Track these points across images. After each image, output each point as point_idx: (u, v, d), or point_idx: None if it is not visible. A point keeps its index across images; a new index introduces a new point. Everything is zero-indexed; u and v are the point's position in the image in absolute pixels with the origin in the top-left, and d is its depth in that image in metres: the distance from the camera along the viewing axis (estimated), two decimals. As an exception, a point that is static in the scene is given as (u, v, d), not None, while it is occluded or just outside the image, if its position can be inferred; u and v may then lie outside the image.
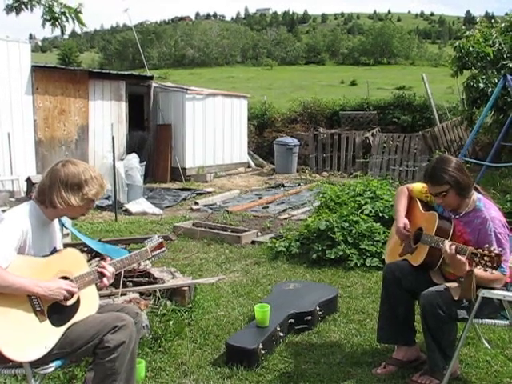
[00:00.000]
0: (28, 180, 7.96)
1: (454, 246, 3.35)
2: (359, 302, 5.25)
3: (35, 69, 11.52)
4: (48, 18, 5.95)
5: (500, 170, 12.22)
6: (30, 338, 2.75)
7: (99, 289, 3.19)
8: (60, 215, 3.15)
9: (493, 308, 3.47)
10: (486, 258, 3.16)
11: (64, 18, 5.97)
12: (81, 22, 6.07)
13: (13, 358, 2.67)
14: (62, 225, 3.32)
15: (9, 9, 5.99)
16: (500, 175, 12.04)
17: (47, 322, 2.83)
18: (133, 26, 25.72)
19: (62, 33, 6.23)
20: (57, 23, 5.96)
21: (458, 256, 3.33)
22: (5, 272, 2.69)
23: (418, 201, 3.95)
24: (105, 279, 3.09)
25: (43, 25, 6.02)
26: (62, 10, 5.94)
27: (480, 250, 3.19)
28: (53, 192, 2.99)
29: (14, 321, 2.71)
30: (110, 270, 3.13)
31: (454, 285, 3.48)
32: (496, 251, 3.14)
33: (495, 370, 3.82)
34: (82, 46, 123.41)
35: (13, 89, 11.03)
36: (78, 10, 6.00)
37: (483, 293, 3.28)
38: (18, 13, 6.02)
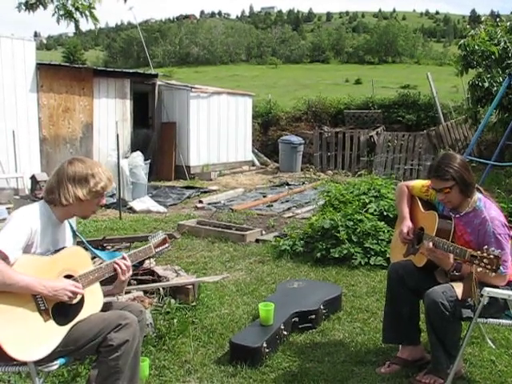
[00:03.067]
0: (33, 178, 7.96)
1: (431, 242, 3.48)
2: (363, 300, 5.24)
3: (40, 66, 11.54)
4: (62, 13, 5.98)
5: (505, 169, 12.18)
6: (34, 338, 2.74)
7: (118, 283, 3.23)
8: (70, 214, 3.14)
9: (497, 307, 3.45)
10: (485, 260, 3.15)
11: (78, 14, 6.02)
12: (94, 18, 6.12)
13: (16, 357, 2.67)
14: (73, 231, 3.31)
15: (23, 7, 6.01)
16: (505, 174, 12.01)
17: (51, 322, 2.83)
18: (138, 24, 25.74)
19: (77, 28, 6.28)
20: (72, 18, 6.01)
21: (438, 250, 3.45)
22: (10, 270, 2.68)
23: (419, 200, 3.94)
24: (121, 274, 3.15)
25: (58, 21, 6.05)
26: (76, 6, 5.99)
27: (479, 253, 3.19)
28: (60, 189, 2.99)
29: (18, 320, 2.71)
30: (126, 263, 3.18)
31: (458, 284, 3.48)
32: (495, 253, 3.13)
33: (499, 369, 3.81)
34: (86, 44, 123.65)
35: (18, 86, 11.05)
36: (92, 6, 6.04)
37: (488, 292, 3.26)
38: (33, 10, 6.05)
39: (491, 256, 3.13)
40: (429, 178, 3.68)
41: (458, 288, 3.44)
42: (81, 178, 3.02)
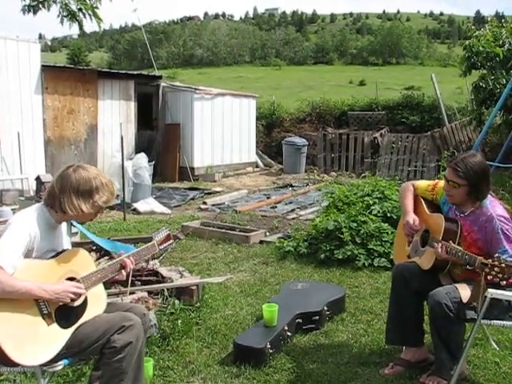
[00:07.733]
0: (37, 179, 7.98)
1: (443, 248, 3.45)
2: (367, 302, 5.24)
3: (45, 68, 11.57)
4: (65, 14, 6.02)
5: (509, 170, 12.15)
6: (37, 343, 2.75)
7: (115, 281, 3.22)
8: (68, 219, 3.16)
9: (501, 309, 3.45)
10: (496, 268, 3.13)
11: (81, 14, 6.05)
12: (97, 18, 6.14)
13: (21, 362, 2.69)
14: (71, 223, 3.33)
15: (27, 9, 6.05)
16: (509, 176, 11.97)
17: (55, 325, 2.84)
18: (142, 25, 25.73)
19: (80, 28, 6.32)
20: (75, 19, 6.04)
21: (449, 256, 3.44)
22: (10, 278, 2.69)
23: (423, 200, 3.92)
24: (123, 271, 3.18)
25: (61, 22, 6.08)
26: (79, 7, 6.02)
27: (490, 261, 3.17)
28: (64, 198, 2.98)
29: (22, 325, 2.72)
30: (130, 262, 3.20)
31: (462, 285, 3.47)
32: (507, 262, 3.11)
33: (503, 371, 3.80)
34: (90, 46, 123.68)
35: (22, 88, 11.09)
36: (95, 5, 6.07)
37: (491, 293, 3.25)
38: (35, 12, 6.08)
39: (503, 265, 3.11)
40: (448, 166, 3.62)
41: (462, 289, 3.44)
42: (84, 190, 3.01)
